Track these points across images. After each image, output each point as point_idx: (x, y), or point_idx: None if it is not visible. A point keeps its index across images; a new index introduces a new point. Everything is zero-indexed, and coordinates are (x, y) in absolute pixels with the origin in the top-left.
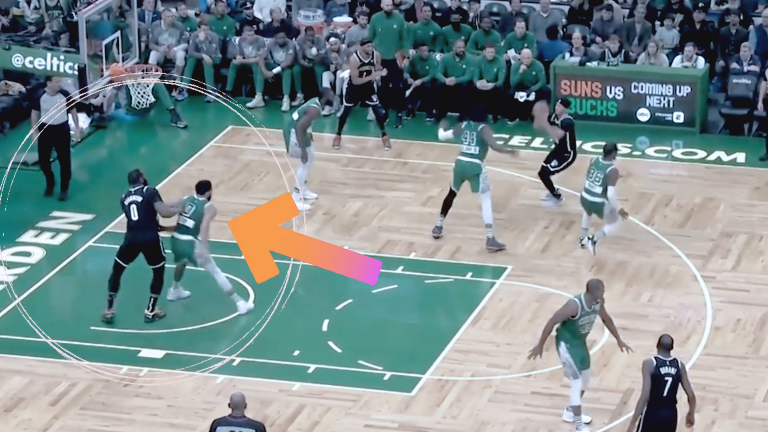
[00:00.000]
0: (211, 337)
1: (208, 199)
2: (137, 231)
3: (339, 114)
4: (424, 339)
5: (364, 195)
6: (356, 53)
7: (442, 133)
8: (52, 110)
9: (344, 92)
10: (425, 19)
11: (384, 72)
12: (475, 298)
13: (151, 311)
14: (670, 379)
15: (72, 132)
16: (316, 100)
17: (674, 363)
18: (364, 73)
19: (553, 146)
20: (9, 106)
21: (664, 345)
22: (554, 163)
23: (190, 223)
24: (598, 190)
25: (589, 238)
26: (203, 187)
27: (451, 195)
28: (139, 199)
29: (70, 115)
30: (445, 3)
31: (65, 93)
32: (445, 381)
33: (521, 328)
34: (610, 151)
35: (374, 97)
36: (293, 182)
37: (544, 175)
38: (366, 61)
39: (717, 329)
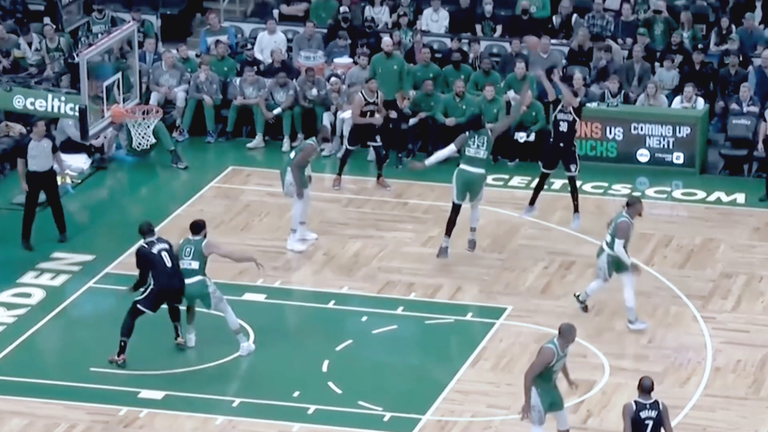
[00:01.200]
0: (211, 377)
1: (204, 236)
2: (172, 277)
3: (340, 155)
4: (424, 380)
5: (364, 235)
6: (361, 92)
7: (434, 157)
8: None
9: (346, 133)
10: (425, 61)
11: (393, 114)
12: (475, 339)
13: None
14: (650, 423)
15: (58, 175)
16: (313, 138)
17: (655, 405)
18: (368, 113)
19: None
20: (9, 148)
21: (644, 388)
22: (573, 167)
23: (195, 265)
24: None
25: (575, 296)
26: (197, 228)
27: (456, 211)
28: (167, 246)
29: (55, 159)
30: (445, 44)
31: (51, 138)
32: (445, 422)
33: (521, 368)
34: (628, 204)
35: (377, 138)
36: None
37: (573, 184)
38: (371, 101)
39: (717, 370)
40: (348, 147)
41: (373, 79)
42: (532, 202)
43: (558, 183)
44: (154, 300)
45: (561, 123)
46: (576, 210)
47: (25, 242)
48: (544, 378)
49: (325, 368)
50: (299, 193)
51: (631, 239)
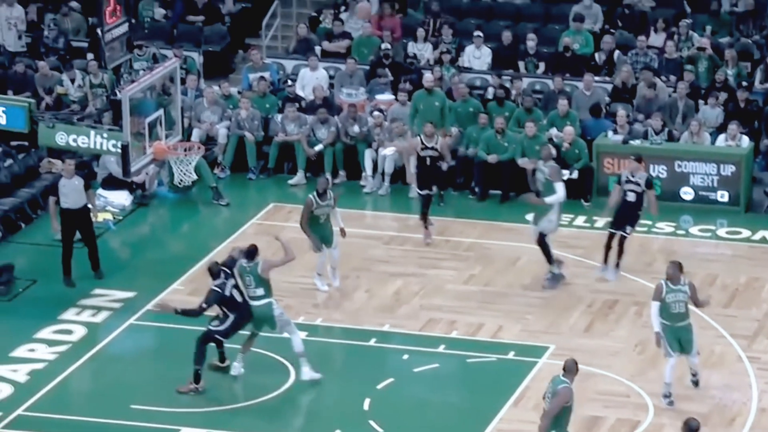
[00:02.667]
0: (252, 415)
1: (258, 260)
2: (246, 308)
3: (382, 192)
4: (465, 419)
5: (406, 273)
6: (419, 135)
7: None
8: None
9: (388, 170)
10: (463, 96)
11: (452, 162)
12: (518, 378)
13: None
14: None
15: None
16: (314, 192)
17: None
18: (426, 159)
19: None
20: (52, 184)
21: (691, 429)
22: (629, 229)
23: (260, 291)
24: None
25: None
26: (251, 254)
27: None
28: (234, 281)
29: (87, 196)
30: (487, 81)
31: (81, 175)
32: None
33: None
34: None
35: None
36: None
37: (622, 244)
38: (429, 145)
39: (763, 411)
40: (420, 192)
41: (430, 123)
42: (605, 260)
43: (601, 222)
44: (231, 331)
45: (629, 193)
46: (617, 266)
47: (67, 279)
48: (561, 417)
49: (366, 406)
50: (315, 246)
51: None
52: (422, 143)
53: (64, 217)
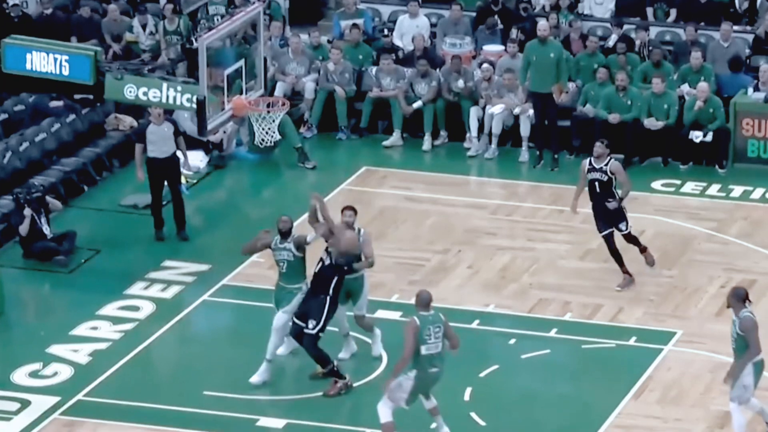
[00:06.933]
0: (337, 405)
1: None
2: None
3: (488, 155)
4: (579, 413)
5: (514, 247)
6: (590, 159)
7: None
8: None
9: (496, 130)
10: (592, 50)
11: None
12: (640, 367)
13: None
14: None
15: (182, 165)
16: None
17: None
18: (595, 183)
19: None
20: (119, 143)
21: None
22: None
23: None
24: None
25: None
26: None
27: None
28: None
29: (177, 144)
30: (609, 30)
31: (172, 121)
32: None
33: (692, 401)
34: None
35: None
36: (434, 231)
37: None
38: (597, 167)
39: None
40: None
41: (600, 142)
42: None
43: (738, 190)
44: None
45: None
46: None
47: (158, 232)
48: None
49: (467, 397)
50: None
51: None
52: (590, 164)
53: (150, 166)
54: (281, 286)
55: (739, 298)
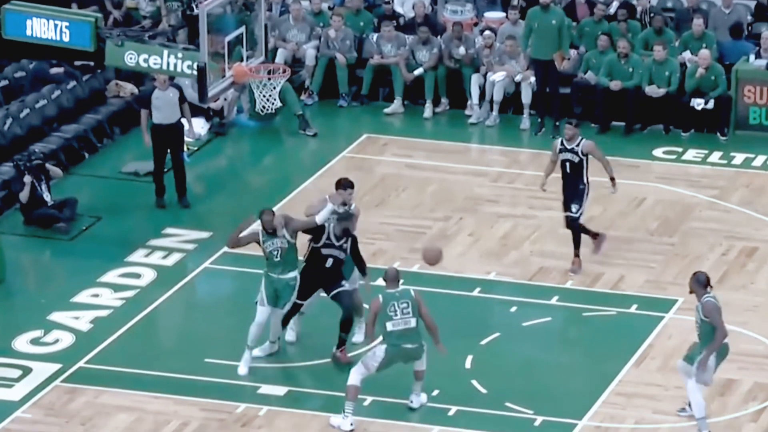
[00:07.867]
0: (339, 372)
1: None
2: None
3: (489, 122)
4: (580, 380)
5: (515, 214)
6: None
7: None
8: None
9: (497, 98)
10: (598, 17)
11: None
12: (641, 335)
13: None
14: None
15: (186, 132)
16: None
17: None
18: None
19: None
20: (120, 109)
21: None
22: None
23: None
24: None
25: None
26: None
27: None
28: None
29: (182, 111)
30: None
31: (177, 87)
32: (604, 428)
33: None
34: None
35: None
36: (435, 199)
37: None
38: (569, 147)
39: None
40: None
41: (569, 123)
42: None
43: (740, 158)
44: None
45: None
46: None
47: (159, 200)
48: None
49: (468, 364)
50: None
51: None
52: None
53: (155, 132)
54: (278, 279)
55: (701, 283)
